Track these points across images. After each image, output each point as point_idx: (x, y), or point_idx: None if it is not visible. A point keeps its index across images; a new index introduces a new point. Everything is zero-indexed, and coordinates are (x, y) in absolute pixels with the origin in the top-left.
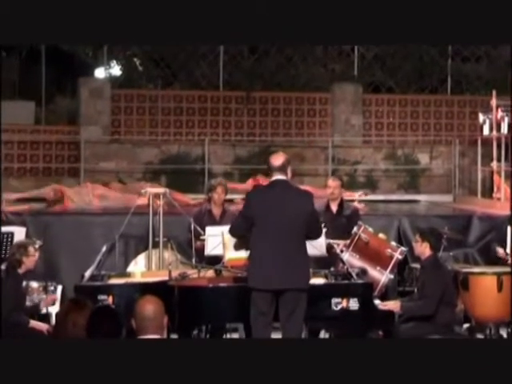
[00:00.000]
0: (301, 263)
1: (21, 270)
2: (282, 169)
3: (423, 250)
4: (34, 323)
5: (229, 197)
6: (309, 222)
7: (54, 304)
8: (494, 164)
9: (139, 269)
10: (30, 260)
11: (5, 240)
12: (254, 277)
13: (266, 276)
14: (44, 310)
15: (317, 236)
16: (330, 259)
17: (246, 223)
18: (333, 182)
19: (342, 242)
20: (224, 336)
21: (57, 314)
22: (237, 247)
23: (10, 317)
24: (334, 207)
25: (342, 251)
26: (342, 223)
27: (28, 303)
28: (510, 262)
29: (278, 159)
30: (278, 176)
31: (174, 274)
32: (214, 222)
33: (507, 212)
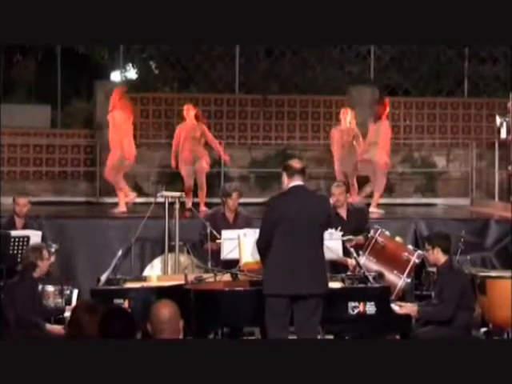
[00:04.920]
0: (321, 268)
1: (35, 274)
2: (302, 172)
3: (436, 256)
4: (50, 327)
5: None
6: (327, 225)
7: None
8: None
9: (155, 273)
10: (45, 264)
11: (20, 244)
12: (274, 282)
13: (287, 281)
14: (60, 315)
15: None
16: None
17: (272, 229)
18: (336, 189)
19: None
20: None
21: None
22: (253, 251)
23: (27, 319)
24: (343, 213)
25: (358, 255)
26: (354, 227)
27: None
28: None
29: (298, 163)
30: (297, 181)
31: (190, 277)
32: (228, 225)
33: None
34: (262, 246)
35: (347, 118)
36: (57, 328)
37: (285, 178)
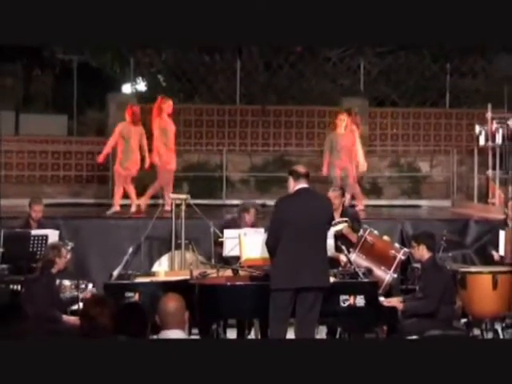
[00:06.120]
0: (323, 265)
1: (54, 270)
2: (307, 176)
3: (421, 253)
4: (66, 318)
5: None
6: (329, 225)
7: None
8: (489, 172)
9: (163, 268)
10: (62, 261)
11: (39, 242)
12: (280, 278)
13: (291, 276)
14: (75, 307)
15: None
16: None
17: (279, 228)
18: (332, 193)
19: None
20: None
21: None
22: (253, 248)
23: (45, 314)
24: (337, 216)
25: (349, 252)
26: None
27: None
28: (506, 261)
29: (303, 167)
30: (302, 184)
31: (195, 273)
32: None
33: (501, 216)
34: (271, 244)
35: (343, 123)
36: (72, 319)
37: (291, 181)
